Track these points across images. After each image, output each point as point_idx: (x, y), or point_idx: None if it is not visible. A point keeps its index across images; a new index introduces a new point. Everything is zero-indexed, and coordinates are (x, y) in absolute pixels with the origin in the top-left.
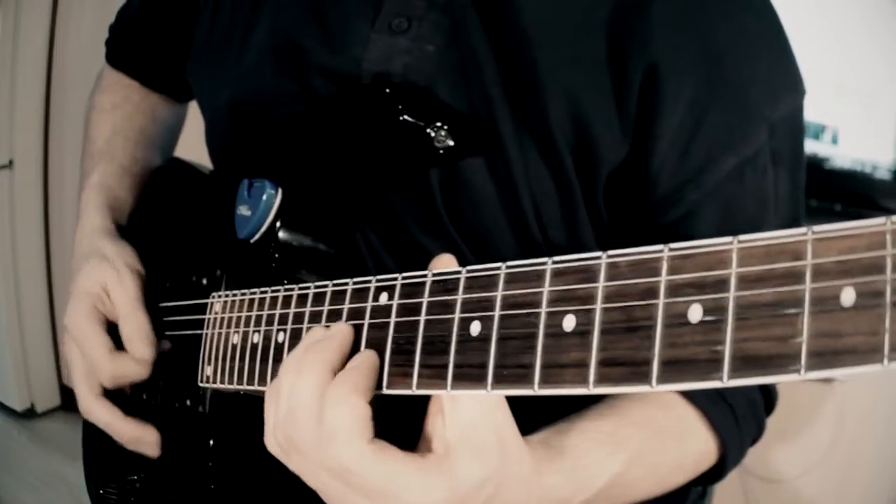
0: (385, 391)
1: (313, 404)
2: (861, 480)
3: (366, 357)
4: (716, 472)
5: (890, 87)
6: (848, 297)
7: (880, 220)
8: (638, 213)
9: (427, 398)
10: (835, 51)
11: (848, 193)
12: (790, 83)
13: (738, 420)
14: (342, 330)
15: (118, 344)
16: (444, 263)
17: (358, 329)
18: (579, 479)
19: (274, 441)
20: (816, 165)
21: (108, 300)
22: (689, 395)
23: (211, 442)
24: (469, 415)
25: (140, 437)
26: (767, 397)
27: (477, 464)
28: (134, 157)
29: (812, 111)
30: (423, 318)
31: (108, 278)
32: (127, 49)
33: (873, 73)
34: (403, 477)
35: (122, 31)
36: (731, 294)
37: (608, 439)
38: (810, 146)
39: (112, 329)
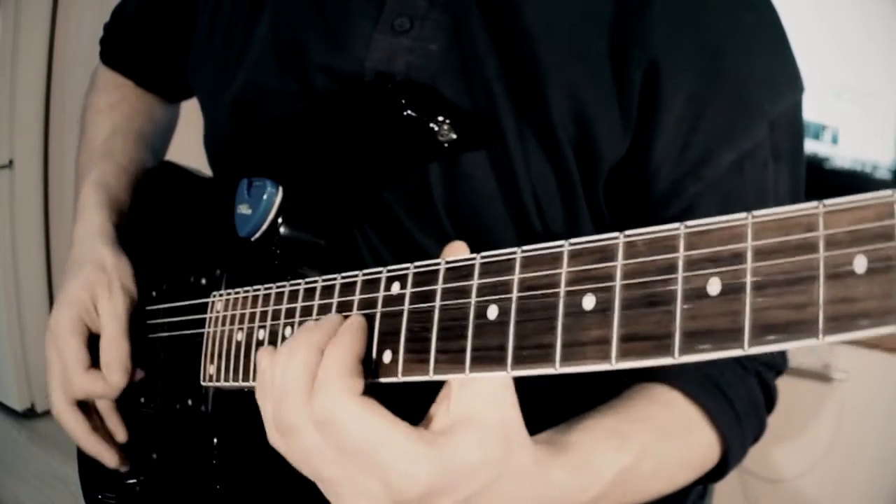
0: (401, 378)
1: (303, 377)
2: (861, 480)
3: (353, 320)
4: (718, 471)
5: (890, 87)
6: (860, 264)
7: (888, 192)
8: (639, 207)
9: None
10: (835, 51)
11: (848, 193)
12: (789, 79)
13: (740, 417)
14: (331, 317)
15: (96, 354)
16: (457, 250)
17: (371, 318)
18: (586, 474)
19: (276, 431)
20: (816, 165)
21: (95, 313)
22: (690, 393)
23: (215, 440)
24: (476, 400)
25: (99, 455)
26: (768, 395)
27: (476, 447)
28: (131, 158)
29: (812, 111)
30: (437, 304)
31: (100, 292)
32: (123, 49)
33: (873, 73)
34: (391, 440)
35: (118, 30)
36: (748, 266)
37: (612, 435)
38: (810, 146)
39: (93, 339)
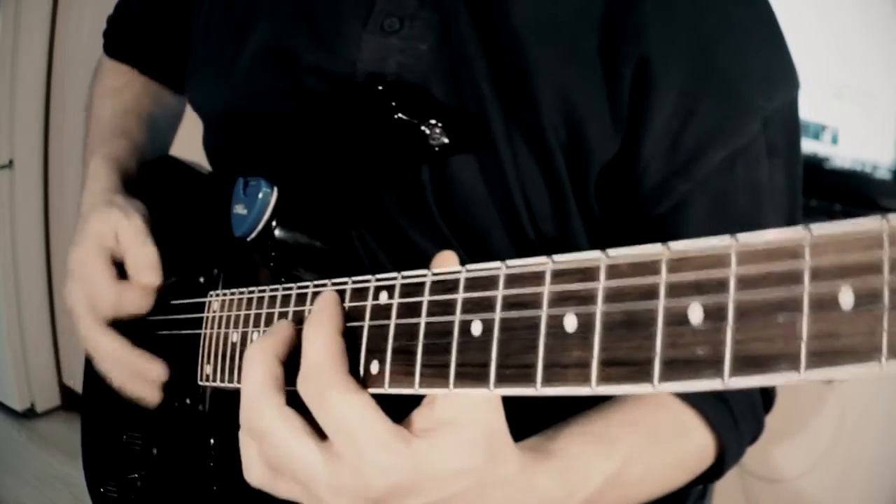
0: (388, 389)
1: (264, 379)
2: (861, 479)
3: (281, 323)
4: (714, 471)
5: (890, 87)
6: (846, 298)
7: (877, 219)
8: (629, 206)
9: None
10: (835, 51)
11: (848, 193)
12: (784, 75)
13: (736, 418)
14: (281, 324)
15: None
16: (446, 260)
17: (359, 328)
18: (572, 480)
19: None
20: (816, 165)
21: (116, 241)
22: (683, 395)
23: (211, 441)
24: (459, 408)
25: (148, 369)
26: (766, 395)
27: (453, 453)
28: (142, 135)
29: (812, 111)
30: (423, 317)
31: (116, 218)
32: (129, 39)
33: (873, 73)
34: (371, 427)
35: (123, 21)
36: (731, 295)
37: (599, 440)
38: (810, 146)
39: (118, 271)
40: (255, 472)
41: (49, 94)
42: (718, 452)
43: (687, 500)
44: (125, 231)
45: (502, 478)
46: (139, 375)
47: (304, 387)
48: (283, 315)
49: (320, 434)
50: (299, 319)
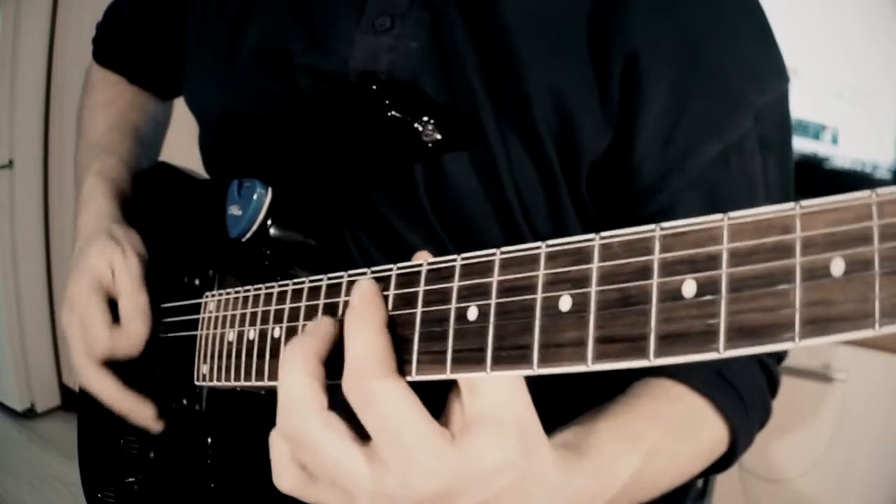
0: None
1: (308, 386)
2: (860, 479)
3: (321, 321)
4: (726, 459)
5: (890, 87)
6: (838, 266)
7: (866, 192)
8: (624, 202)
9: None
10: (835, 51)
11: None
12: (774, 69)
13: (746, 405)
14: (322, 322)
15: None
16: (422, 259)
17: None
18: (603, 478)
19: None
20: (816, 165)
21: (112, 278)
22: (696, 386)
23: (209, 440)
24: (489, 400)
25: (136, 409)
26: (771, 381)
27: (494, 448)
28: (131, 151)
29: (812, 111)
30: (419, 306)
31: (114, 257)
32: (117, 48)
33: (873, 73)
34: (420, 431)
35: (112, 29)
36: (724, 269)
37: (624, 436)
38: (810, 146)
39: (112, 308)
40: (286, 477)
41: (49, 94)
42: (731, 440)
43: (686, 499)
44: (121, 272)
45: (539, 473)
46: (130, 414)
47: (349, 386)
48: (279, 312)
49: (362, 435)
50: (309, 315)
